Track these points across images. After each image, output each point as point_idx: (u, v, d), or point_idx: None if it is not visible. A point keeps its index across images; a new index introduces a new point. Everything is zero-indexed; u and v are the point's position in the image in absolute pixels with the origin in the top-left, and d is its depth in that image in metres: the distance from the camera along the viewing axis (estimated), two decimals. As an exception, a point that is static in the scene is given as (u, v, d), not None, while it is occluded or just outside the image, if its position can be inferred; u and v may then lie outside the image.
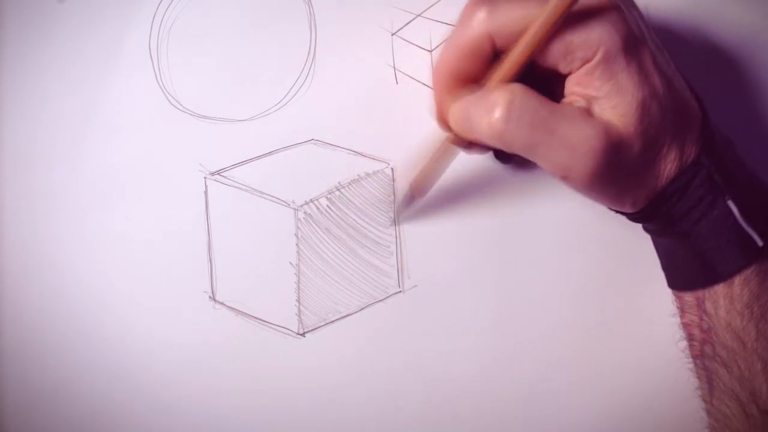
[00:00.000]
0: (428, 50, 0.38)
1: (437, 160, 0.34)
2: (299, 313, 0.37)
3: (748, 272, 0.31)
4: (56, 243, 0.38)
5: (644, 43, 0.30)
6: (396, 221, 0.37)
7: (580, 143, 0.29)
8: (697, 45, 0.38)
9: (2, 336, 0.38)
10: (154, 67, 0.38)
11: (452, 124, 0.32)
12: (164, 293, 0.38)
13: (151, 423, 0.38)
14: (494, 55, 0.30)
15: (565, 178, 0.30)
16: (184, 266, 0.38)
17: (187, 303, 0.38)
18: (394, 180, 0.38)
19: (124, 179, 0.38)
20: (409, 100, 0.38)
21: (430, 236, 0.38)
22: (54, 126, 0.38)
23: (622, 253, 0.38)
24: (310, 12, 0.38)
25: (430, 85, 0.37)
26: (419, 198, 0.36)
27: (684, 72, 0.32)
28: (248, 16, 0.38)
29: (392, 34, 0.38)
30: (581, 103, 0.30)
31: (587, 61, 0.29)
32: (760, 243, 0.31)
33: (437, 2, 0.37)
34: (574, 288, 0.38)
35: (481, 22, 0.29)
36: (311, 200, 0.36)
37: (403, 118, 0.37)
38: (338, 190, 0.37)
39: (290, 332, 0.38)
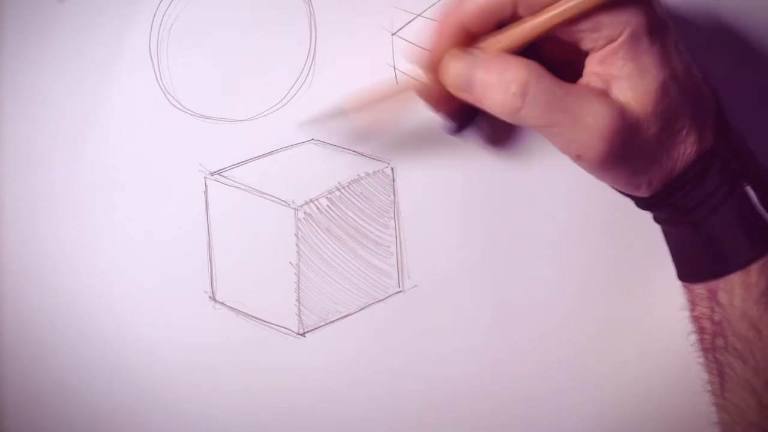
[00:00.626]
0: (428, 50, 0.37)
1: (389, 98, 0.33)
2: (299, 313, 0.37)
3: (765, 259, 0.31)
4: (56, 243, 0.38)
5: (668, 27, 0.30)
6: (306, 123, 0.36)
7: (594, 123, 0.29)
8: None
9: (2, 336, 0.38)
10: (154, 67, 0.38)
11: (448, 79, 0.31)
12: (164, 293, 0.38)
13: (151, 423, 0.38)
14: (511, 18, 0.30)
15: (579, 158, 0.30)
16: (184, 266, 0.38)
17: (187, 303, 0.38)
18: (394, 180, 0.38)
19: (124, 179, 0.38)
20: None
21: (430, 236, 0.38)
22: (54, 126, 0.38)
23: (624, 250, 0.38)
24: (310, 12, 0.38)
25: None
26: (347, 115, 0.35)
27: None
28: (248, 16, 0.38)
29: (392, 34, 0.38)
30: (598, 84, 0.30)
31: (613, 40, 0.29)
32: None
33: (437, 2, 0.37)
34: (575, 286, 0.38)
35: None
36: (311, 200, 0.36)
37: (403, 118, 0.37)
38: (338, 190, 0.37)
39: (290, 332, 0.38)
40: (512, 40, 0.30)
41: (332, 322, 0.38)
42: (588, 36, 0.29)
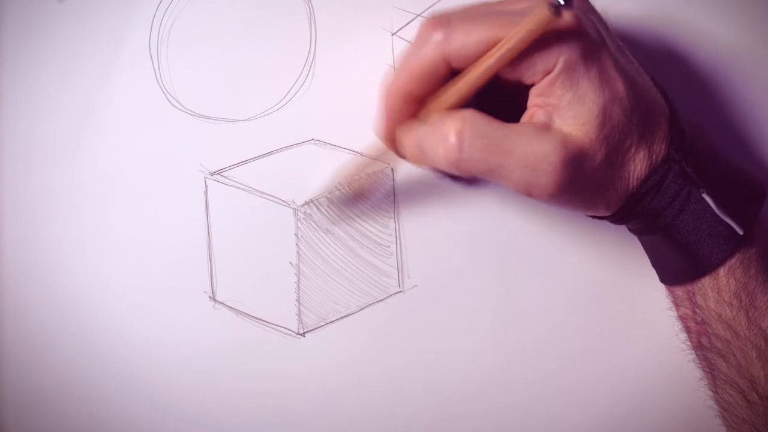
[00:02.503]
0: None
1: (372, 165, 0.34)
2: (299, 313, 0.37)
3: (732, 262, 0.31)
4: (56, 243, 0.38)
5: (604, 48, 0.30)
6: (310, 201, 0.37)
7: (538, 160, 0.29)
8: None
9: (2, 336, 0.38)
10: (154, 67, 0.38)
11: (403, 150, 0.32)
12: (164, 293, 0.38)
13: (151, 422, 0.38)
14: (449, 75, 0.30)
15: (530, 195, 0.30)
16: (184, 266, 0.38)
17: (187, 303, 0.38)
18: (394, 180, 0.38)
19: (124, 179, 0.38)
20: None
21: (430, 236, 0.38)
22: (54, 126, 0.38)
23: (621, 249, 0.38)
24: (310, 12, 0.38)
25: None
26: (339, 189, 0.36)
27: (648, 67, 0.32)
28: (248, 16, 0.38)
29: (392, 34, 0.38)
30: (540, 116, 0.30)
31: (549, 72, 0.29)
32: (740, 232, 0.31)
33: (437, 2, 0.37)
34: (575, 286, 0.38)
35: (437, 44, 0.29)
36: (311, 200, 0.36)
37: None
38: (338, 190, 0.37)
39: (290, 332, 0.38)
40: (457, 96, 0.30)
41: (332, 322, 0.38)
42: (526, 72, 0.29)
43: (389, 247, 0.38)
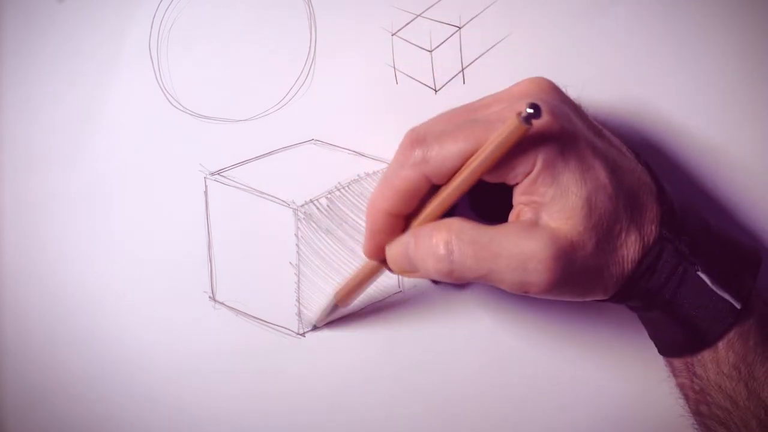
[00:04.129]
0: (428, 50, 0.38)
1: (365, 278, 0.34)
2: (299, 313, 0.37)
3: (730, 335, 0.31)
4: (56, 242, 0.38)
5: (580, 138, 0.30)
6: (317, 326, 0.38)
7: (528, 260, 0.29)
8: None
9: (2, 336, 0.38)
10: (154, 67, 0.38)
11: (393, 266, 0.32)
12: (164, 293, 0.38)
13: (151, 422, 0.38)
14: (431, 190, 0.30)
15: (527, 293, 0.30)
16: (184, 266, 0.38)
17: (187, 303, 0.38)
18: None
19: (124, 179, 0.38)
20: (409, 100, 0.38)
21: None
22: (53, 126, 0.38)
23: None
24: (310, 12, 0.38)
25: (428, 84, 0.37)
26: (343, 307, 0.36)
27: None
28: (248, 16, 0.38)
29: (392, 34, 0.38)
30: (527, 213, 0.30)
31: (528, 173, 0.29)
32: (737, 306, 0.31)
33: (437, 2, 0.37)
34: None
35: (416, 164, 0.29)
36: (311, 200, 0.36)
37: (403, 118, 0.37)
38: (338, 190, 0.37)
39: (290, 332, 0.38)
40: (440, 209, 0.30)
41: (332, 322, 0.38)
42: (506, 176, 0.29)
43: (389, 247, 0.38)
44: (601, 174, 0.29)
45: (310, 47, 0.38)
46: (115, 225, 0.38)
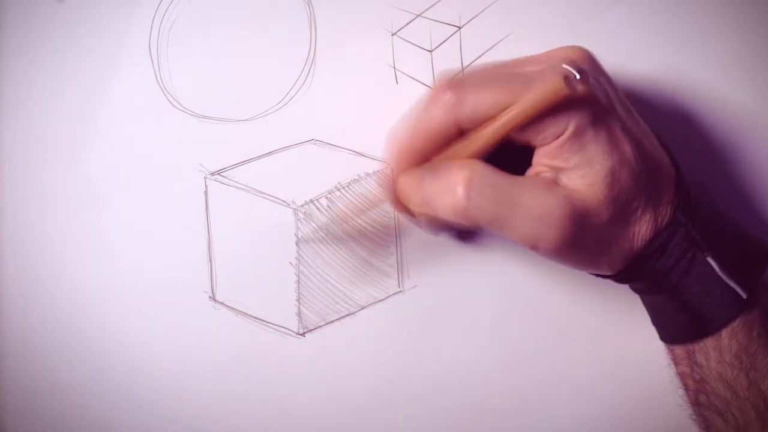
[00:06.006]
0: (428, 50, 0.38)
1: (366, 206, 0.34)
2: (299, 313, 0.38)
3: (734, 324, 0.31)
4: (55, 242, 0.38)
5: (612, 112, 0.30)
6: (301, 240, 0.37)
7: (544, 214, 0.29)
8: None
9: (2, 336, 0.38)
10: (154, 67, 0.38)
11: (409, 201, 0.32)
12: (164, 293, 0.38)
13: (151, 422, 0.38)
14: (451, 138, 0.30)
15: (534, 248, 0.30)
16: (184, 266, 0.38)
17: (187, 303, 0.38)
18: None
19: (123, 179, 0.38)
20: (409, 100, 0.37)
21: (430, 236, 0.38)
22: (53, 126, 0.38)
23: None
24: (310, 12, 0.38)
25: (428, 84, 0.37)
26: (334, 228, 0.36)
27: (656, 129, 0.32)
28: (248, 15, 0.38)
29: (392, 34, 0.38)
30: (548, 173, 0.30)
31: (558, 136, 0.29)
32: (744, 295, 0.31)
33: (437, 2, 0.37)
34: (575, 286, 0.38)
35: (448, 108, 0.29)
36: (311, 200, 0.36)
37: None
38: (338, 190, 0.37)
39: (290, 332, 0.38)
40: (465, 153, 0.30)
41: (332, 322, 0.38)
42: (535, 136, 0.29)
43: (389, 247, 0.38)
44: (628, 150, 0.30)
45: (310, 47, 0.38)
46: (115, 225, 0.38)
